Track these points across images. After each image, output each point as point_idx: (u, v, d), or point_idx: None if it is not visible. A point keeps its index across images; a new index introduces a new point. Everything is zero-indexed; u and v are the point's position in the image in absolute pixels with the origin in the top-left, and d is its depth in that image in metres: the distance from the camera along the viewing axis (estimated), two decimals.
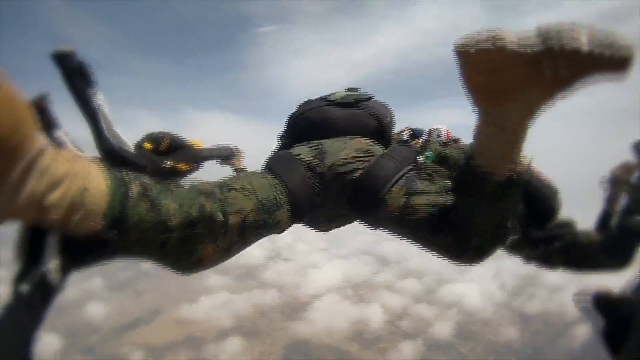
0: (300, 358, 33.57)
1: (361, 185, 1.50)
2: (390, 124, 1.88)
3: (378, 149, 1.66)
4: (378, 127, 1.80)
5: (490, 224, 1.20)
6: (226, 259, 1.29)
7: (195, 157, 2.55)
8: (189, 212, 1.08)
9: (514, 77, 0.97)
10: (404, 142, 2.11)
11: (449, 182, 1.47)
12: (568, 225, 2.30)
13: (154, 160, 2.30)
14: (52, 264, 0.87)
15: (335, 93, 1.95)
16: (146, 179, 1.07)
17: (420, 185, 1.44)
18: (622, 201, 2.46)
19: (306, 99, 2.27)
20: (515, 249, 2.23)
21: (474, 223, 1.21)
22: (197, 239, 1.13)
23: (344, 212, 1.67)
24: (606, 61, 0.89)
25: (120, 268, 47.35)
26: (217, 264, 1.26)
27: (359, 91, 1.97)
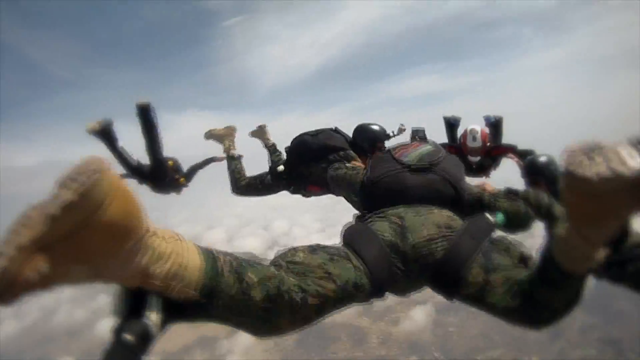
0: (315, 339, 33.62)
1: (443, 267, 1.51)
2: (464, 188, 1.91)
3: (457, 221, 1.67)
4: (454, 194, 1.86)
5: (564, 304, 1.28)
6: (304, 328, 1.36)
7: (188, 173, 4.28)
8: (269, 289, 1.19)
9: (619, 203, 0.96)
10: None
11: (523, 251, 1.50)
12: None
13: (170, 173, 4.19)
14: (153, 318, 1.02)
15: (408, 152, 1.96)
16: (231, 256, 1.21)
17: (496, 259, 1.47)
18: None
19: (370, 133, 3.11)
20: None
21: (548, 304, 1.28)
22: (275, 312, 1.22)
23: (421, 285, 1.68)
24: None
25: None
26: (294, 331, 1.34)
27: (430, 148, 2.00)
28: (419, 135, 2.99)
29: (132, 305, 1.02)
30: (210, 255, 1.14)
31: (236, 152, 4.14)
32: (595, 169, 0.92)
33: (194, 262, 1.07)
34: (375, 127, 3.37)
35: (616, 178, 0.89)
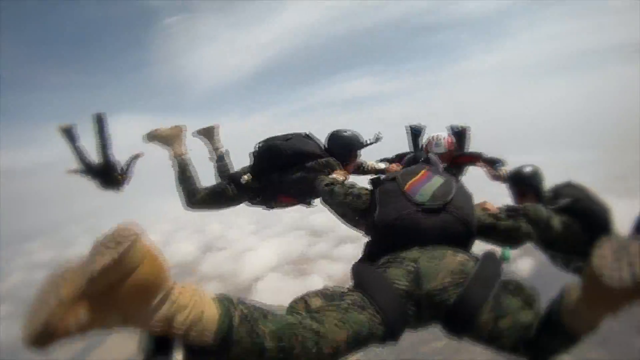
0: None
1: (455, 314, 1.57)
2: (475, 224, 1.95)
3: (470, 264, 1.70)
4: (466, 232, 1.91)
5: (563, 348, 1.44)
6: None
7: (125, 172, 3.34)
8: (282, 339, 1.27)
9: (635, 296, 1.11)
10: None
11: (530, 293, 1.59)
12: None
13: (116, 172, 3.28)
14: (178, 358, 1.17)
15: (419, 187, 1.99)
16: (246, 306, 1.30)
17: (505, 303, 1.55)
18: None
19: (345, 141, 2.95)
20: (579, 270, 2.38)
21: (548, 348, 1.44)
22: None
23: (431, 324, 1.71)
24: None
25: None
26: None
27: (440, 181, 2.04)
28: (420, 157, 2.64)
29: (158, 345, 1.15)
30: (225, 306, 1.25)
31: (188, 156, 3.50)
32: (620, 273, 1.07)
33: (211, 313, 1.20)
34: (350, 134, 3.18)
35: (637, 284, 1.05)
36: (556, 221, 2.37)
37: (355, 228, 2.76)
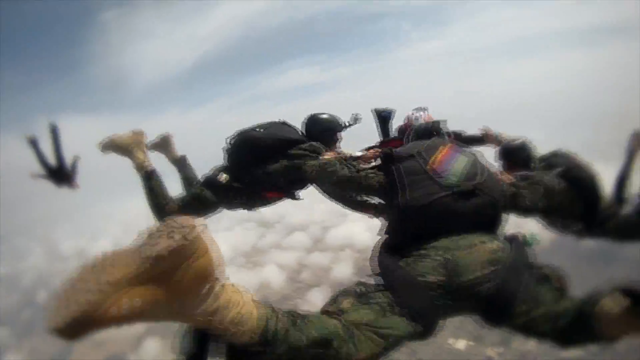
0: None
1: (493, 304, 1.58)
2: (506, 205, 1.92)
3: (501, 254, 1.66)
4: (495, 214, 1.87)
5: (586, 344, 1.55)
6: None
7: (72, 173, 3.18)
8: (322, 345, 1.32)
9: None
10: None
11: (560, 279, 1.64)
12: (614, 206, 2.55)
13: (68, 173, 3.12)
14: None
15: (447, 166, 1.85)
16: (287, 310, 1.37)
17: (540, 292, 1.59)
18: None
19: (325, 125, 2.74)
20: (577, 233, 2.58)
21: (576, 341, 1.55)
22: None
23: (466, 313, 1.71)
24: None
25: (21, 310, 42.89)
26: None
27: (466, 160, 1.92)
28: (434, 128, 2.44)
29: (197, 347, 1.19)
30: (270, 308, 1.31)
31: (152, 166, 3.17)
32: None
33: (253, 312, 1.23)
34: (329, 117, 3.07)
35: None
36: (562, 188, 2.40)
37: (358, 210, 2.69)
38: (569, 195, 2.37)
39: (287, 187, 2.98)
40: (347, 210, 2.98)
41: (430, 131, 2.48)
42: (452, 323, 1.68)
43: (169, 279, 1.05)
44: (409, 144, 2.25)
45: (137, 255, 1.03)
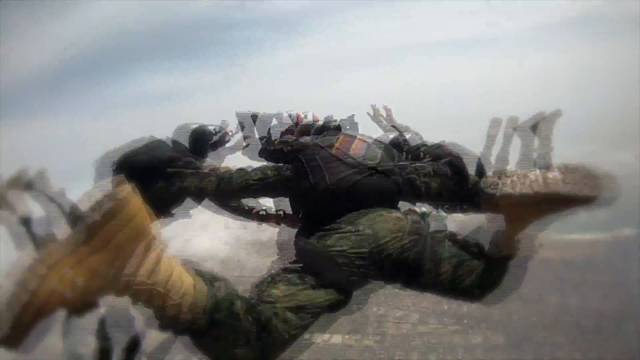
0: None
1: (416, 268, 1.67)
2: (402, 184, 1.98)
3: (404, 222, 1.75)
4: (396, 191, 1.94)
5: (500, 280, 1.73)
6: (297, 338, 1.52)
7: None
8: (256, 317, 1.38)
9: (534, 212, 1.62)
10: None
11: (473, 241, 1.81)
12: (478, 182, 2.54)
13: None
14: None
15: (350, 152, 1.94)
16: (224, 283, 1.39)
17: (458, 253, 1.74)
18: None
19: (199, 134, 2.45)
20: (451, 210, 2.57)
21: (493, 284, 1.73)
22: (265, 341, 1.40)
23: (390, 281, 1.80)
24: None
25: None
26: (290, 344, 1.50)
27: (368, 143, 2.03)
28: (329, 126, 2.43)
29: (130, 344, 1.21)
30: (207, 276, 1.35)
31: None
32: (503, 189, 1.54)
33: (190, 279, 1.26)
34: (197, 127, 2.77)
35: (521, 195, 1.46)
36: (448, 175, 2.38)
37: (258, 220, 2.73)
38: (452, 180, 2.43)
39: (165, 208, 2.44)
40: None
41: (325, 127, 2.48)
42: (322, 320, 1.67)
43: (107, 243, 1.08)
44: (306, 138, 2.30)
45: (73, 234, 1.07)
